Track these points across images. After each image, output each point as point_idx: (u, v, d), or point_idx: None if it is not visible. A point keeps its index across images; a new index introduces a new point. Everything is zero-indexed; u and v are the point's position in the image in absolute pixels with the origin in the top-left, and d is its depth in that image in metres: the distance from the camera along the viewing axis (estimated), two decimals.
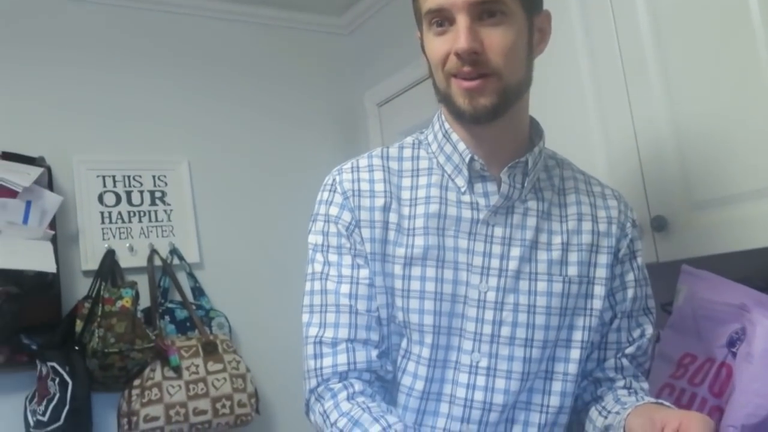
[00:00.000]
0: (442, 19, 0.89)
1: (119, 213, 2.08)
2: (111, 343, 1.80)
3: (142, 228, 2.10)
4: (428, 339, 0.92)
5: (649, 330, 1.01)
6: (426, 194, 0.96)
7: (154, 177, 2.16)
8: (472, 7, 0.86)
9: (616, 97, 1.28)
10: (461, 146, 0.95)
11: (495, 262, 0.93)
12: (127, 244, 2.06)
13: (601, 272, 0.97)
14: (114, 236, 2.05)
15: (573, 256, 0.96)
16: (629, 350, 1.00)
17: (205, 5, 2.37)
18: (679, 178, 1.19)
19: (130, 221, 2.09)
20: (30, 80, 2.03)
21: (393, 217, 0.96)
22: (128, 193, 2.11)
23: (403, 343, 0.94)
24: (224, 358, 2.00)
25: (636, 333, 1.00)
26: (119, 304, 1.86)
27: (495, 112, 0.89)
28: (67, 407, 1.73)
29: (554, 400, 0.95)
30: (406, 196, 0.97)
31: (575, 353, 0.95)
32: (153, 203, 2.14)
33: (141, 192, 2.13)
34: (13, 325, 1.75)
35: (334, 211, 0.97)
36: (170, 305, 2.05)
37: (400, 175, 0.99)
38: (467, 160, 0.95)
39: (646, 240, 1.22)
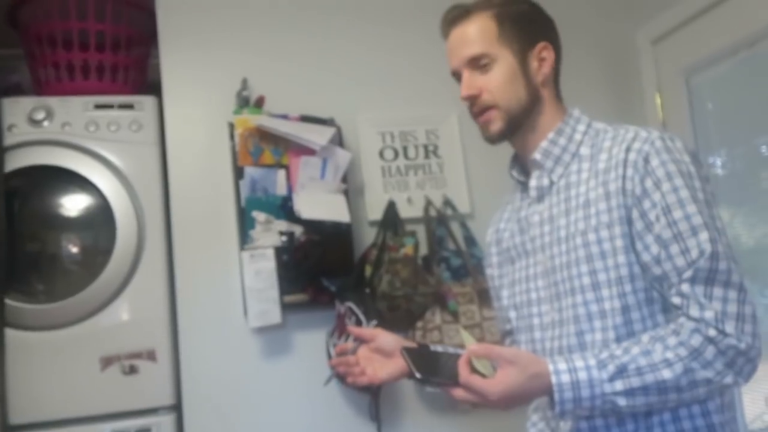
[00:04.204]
0: (458, 77, 1.24)
1: (397, 167, 2.22)
2: (397, 287, 1.96)
3: (417, 181, 2.23)
4: None
5: (707, 247, 1.02)
6: None
7: (426, 131, 2.26)
8: (467, 63, 1.20)
9: None
10: None
11: None
12: (406, 196, 2.20)
13: (615, 215, 1.10)
14: (394, 189, 2.20)
15: (592, 209, 1.12)
16: (687, 274, 1.03)
17: None
18: None
19: (406, 174, 2.23)
20: (318, 50, 2.24)
21: None
22: (404, 148, 2.24)
23: None
24: None
25: (694, 253, 1.02)
26: (402, 251, 2.01)
27: (504, 134, 1.22)
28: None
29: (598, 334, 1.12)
30: None
31: (615, 290, 1.10)
32: (426, 157, 2.25)
33: (416, 146, 2.25)
34: (316, 269, 1.99)
35: None
36: (445, 253, 2.16)
37: None
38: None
39: None
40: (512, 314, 1.29)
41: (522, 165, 1.30)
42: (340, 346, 1.41)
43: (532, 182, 1.23)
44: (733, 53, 2.05)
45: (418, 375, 1.07)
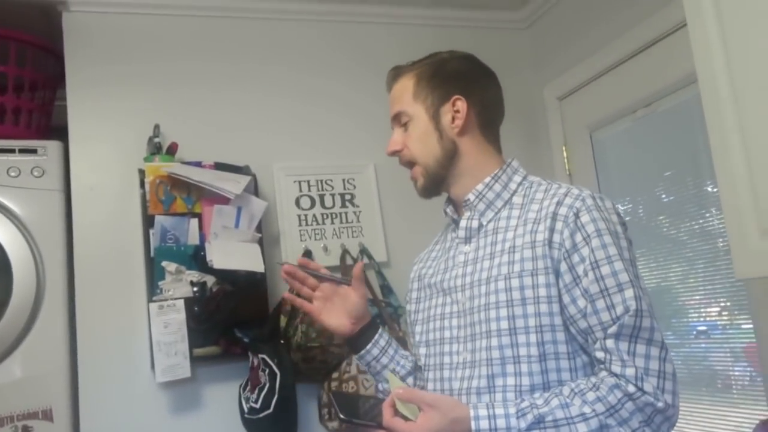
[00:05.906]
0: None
1: (314, 215, 2.22)
2: (312, 338, 1.93)
3: (334, 229, 2.23)
4: None
5: (632, 304, 1.05)
6: None
7: (343, 180, 2.28)
8: (393, 121, 1.28)
9: None
10: None
11: None
12: (322, 245, 2.19)
13: (540, 264, 1.11)
14: (310, 237, 2.19)
15: (517, 255, 1.14)
16: (612, 330, 1.05)
17: (386, 12, 2.45)
18: None
19: (323, 223, 2.22)
20: (233, 98, 2.23)
21: None
22: (321, 197, 2.24)
23: None
24: None
25: (619, 310, 1.05)
26: None
27: (431, 189, 1.26)
28: (276, 396, 1.88)
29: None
30: None
31: (533, 337, 1.11)
32: (343, 205, 2.26)
33: (332, 195, 2.26)
34: (229, 320, 1.94)
35: None
36: None
37: None
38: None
39: None
40: (422, 351, 1.27)
41: (456, 204, 1.32)
42: (305, 259, 1.36)
43: (462, 222, 1.25)
44: (632, 111, 2.19)
45: (341, 416, 1.07)
